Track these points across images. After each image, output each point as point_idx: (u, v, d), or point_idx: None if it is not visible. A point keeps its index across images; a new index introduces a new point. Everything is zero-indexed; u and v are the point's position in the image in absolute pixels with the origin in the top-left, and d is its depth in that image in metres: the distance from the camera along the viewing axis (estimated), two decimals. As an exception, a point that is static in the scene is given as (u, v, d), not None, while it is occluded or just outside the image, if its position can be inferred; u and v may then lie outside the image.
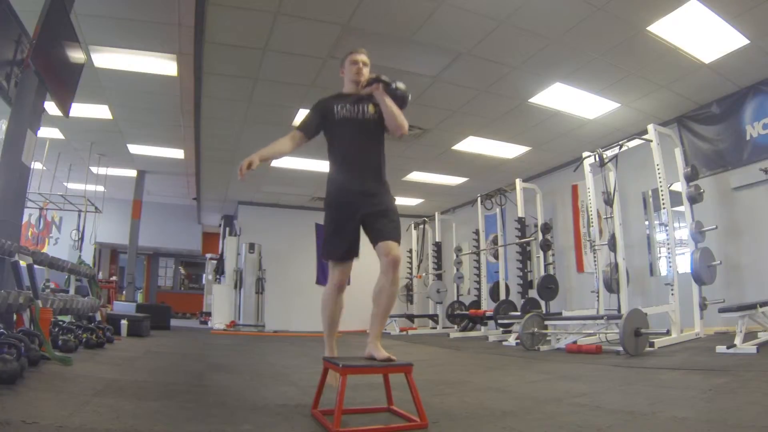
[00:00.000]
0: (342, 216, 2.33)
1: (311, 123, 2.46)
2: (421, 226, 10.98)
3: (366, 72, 2.50)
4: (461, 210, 10.91)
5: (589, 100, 5.85)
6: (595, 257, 5.89)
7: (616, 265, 5.18)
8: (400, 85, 2.42)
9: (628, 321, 4.28)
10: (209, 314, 11.14)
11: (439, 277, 10.02)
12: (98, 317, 5.50)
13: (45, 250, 10.74)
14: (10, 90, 3.73)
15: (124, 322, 6.12)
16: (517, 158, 7.85)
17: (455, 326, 9.00)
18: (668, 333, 4.65)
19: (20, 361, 2.42)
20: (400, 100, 2.42)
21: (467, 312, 8.44)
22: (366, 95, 2.43)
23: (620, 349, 4.32)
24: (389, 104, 2.35)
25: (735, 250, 5.49)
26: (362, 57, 2.51)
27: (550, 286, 7.02)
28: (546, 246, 7.31)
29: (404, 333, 9.21)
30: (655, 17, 4.24)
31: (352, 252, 2.35)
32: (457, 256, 9.56)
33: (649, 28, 4.38)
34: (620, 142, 5.50)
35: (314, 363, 3.86)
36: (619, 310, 5.03)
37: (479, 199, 8.55)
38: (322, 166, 8.02)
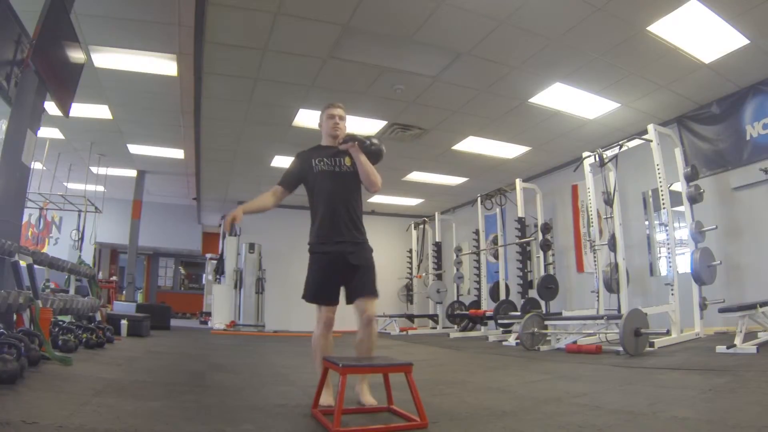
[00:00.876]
0: (324, 265, 2.45)
1: (291, 177, 2.61)
2: (421, 226, 10.98)
3: (342, 126, 2.62)
4: (461, 210, 10.91)
5: (589, 100, 5.85)
6: (595, 257, 5.89)
7: (616, 265, 5.18)
8: (375, 141, 2.55)
9: (628, 321, 4.28)
10: (209, 314, 11.14)
11: (439, 277, 10.02)
12: (98, 317, 5.50)
13: (45, 250, 10.74)
14: (10, 90, 3.73)
15: (124, 322, 6.12)
16: (517, 158, 7.85)
17: (455, 326, 9.00)
18: (668, 333, 4.65)
19: (20, 361, 2.42)
20: (375, 156, 2.54)
21: (467, 312, 8.44)
22: (344, 150, 2.53)
23: (620, 349, 4.32)
24: (363, 162, 2.47)
25: (735, 250, 5.49)
26: (338, 111, 2.64)
27: (550, 286, 7.02)
28: (546, 246, 7.31)
29: (404, 333, 9.20)
30: (655, 17, 4.23)
31: (335, 297, 2.48)
32: (457, 256, 9.56)
33: (649, 28, 4.38)
34: (620, 142, 5.50)
35: (313, 363, 3.85)
36: (619, 310, 5.03)
37: (479, 199, 8.55)
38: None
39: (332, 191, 2.48)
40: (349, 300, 2.46)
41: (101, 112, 6.62)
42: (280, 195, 2.59)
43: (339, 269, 2.42)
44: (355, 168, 2.50)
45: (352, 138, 2.47)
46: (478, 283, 8.63)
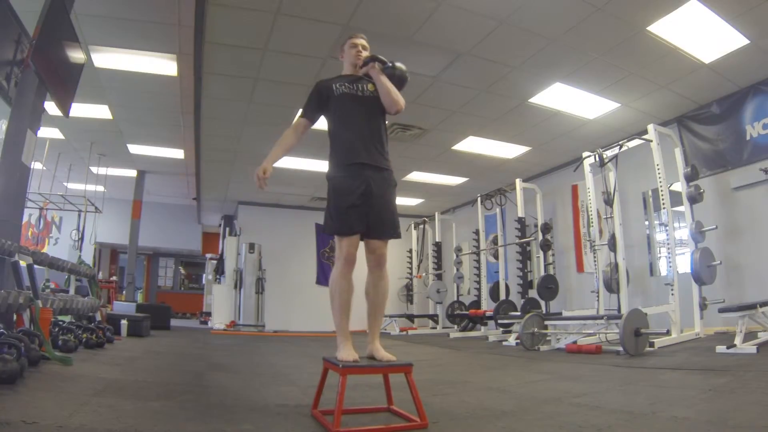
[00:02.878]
0: (346, 190, 2.24)
1: (312, 105, 2.45)
2: (421, 226, 10.98)
3: (365, 55, 2.51)
4: (461, 210, 10.91)
5: (589, 100, 5.85)
6: (595, 257, 5.89)
7: (616, 265, 5.18)
8: (398, 65, 2.42)
9: (628, 321, 4.28)
10: (209, 314, 11.14)
11: (439, 277, 10.02)
12: (98, 317, 5.50)
13: (45, 250, 10.74)
14: (10, 90, 3.73)
15: (124, 322, 6.11)
16: (517, 158, 7.85)
17: (455, 326, 9.00)
18: (668, 333, 4.65)
19: (20, 361, 2.42)
20: (397, 80, 2.41)
21: (467, 312, 8.44)
22: (364, 75, 2.44)
23: (620, 349, 4.32)
24: (384, 81, 2.35)
25: (735, 250, 5.49)
26: (361, 41, 2.54)
27: (550, 286, 7.02)
28: (546, 246, 7.31)
29: (404, 333, 9.21)
30: (655, 17, 4.24)
31: (361, 223, 2.23)
32: (457, 256, 9.56)
33: (649, 28, 4.38)
34: (620, 142, 5.50)
35: (314, 363, 3.86)
36: (619, 310, 5.03)
37: (479, 199, 8.55)
38: (322, 166, 8.02)
39: (355, 113, 2.35)
40: (364, 235, 2.25)
41: (101, 112, 6.62)
42: (302, 128, 2.44)
43: (361, 194, 2.21)
44: (377, 93, 2.36)
45: (373, 59, 2.36)
46: (478, 283, 8.63)
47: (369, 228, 2.24)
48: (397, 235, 2.31)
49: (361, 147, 2.29)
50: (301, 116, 2.47)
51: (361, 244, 2.29)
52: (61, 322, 4.20)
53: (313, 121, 2.47)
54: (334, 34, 4.59)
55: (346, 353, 2.09)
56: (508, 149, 7.54)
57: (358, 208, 2.21)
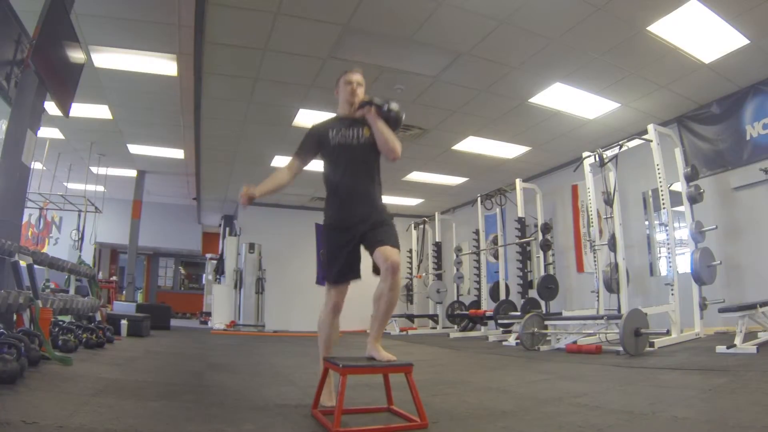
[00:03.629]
0: (341, 240, 2.31)
1: (307, 149, 2.48)
2: (421, 226, 10.98)
3: (360, 92, 2.46)
4: (461, 210, 10.91)
5: (589, 100, 5.85)
6: (595, 257, 5.89)
7: (616, 265, 5.18)
8: (393, 106, 2.37)
9: (628, 321, 4.28)
10: (209, 314, 11.14)
11: (439, 277, 10.02)
12: (98, 317, 5.50)
13: (45, 250, 10.74)
14: (10, 90, 3.73)
15: (124, 322, 6.12)
16: (517, 158, 7.85)
17: (455, 326, 9.00)
18: (668, 333, 4.65)
19: (20, 361, 2.42)
20: (393, 122, 2.38)
21: (467, 312, 8.44)
22: (360, 117, 2.39)
23: (620, 349, 4.32)
24: (381, 128, 2.32)
25: (735, 250, 5.49)
26: (356, 77, 2.48)
27: (550, 286, 7.02)
28: (546, 246, 7.30)
29: (404, 333, 9.21)
30: (655, 17, 4.24)
31: (352, 273, 2.33)
32: (457, 256, 9.56)
33: (649, 28, 4.38)
34: (620, 142, 5.50)
35: (314, 363, 3.85)
36: (619, 310, 5.03)
37: (479, 199, 8.55)
38: (322, 166, 8.01)
39: (350, 166, 2.34)
40: (371, 251, 2.26)
41: (101, 112, 6.62)
42: (296, 169, 2.45)
43: (356, 244, 2.29)
44: (373, 138, 2.35)
45: (369, 102, 2.34)
46: (478, 283, 8.63)
47: (375, 241, 2.23)
48: (395, 244, 2.28)
49: (355, 203, 2.33)
50: (295, 156, 2.48)
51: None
52: (61, 322, 4.20)
53: (306, 163, 2.49)
54: (334, 34, 4.59)
55: (326, 400, 2.22)
56: (508, 149, 7.54)
57: (350, 256, 2.30)
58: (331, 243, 2.36)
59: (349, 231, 2.30)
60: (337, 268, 2.31)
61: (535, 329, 5.46)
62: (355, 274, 2.33)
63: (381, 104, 2.34)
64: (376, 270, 2.23)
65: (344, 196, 2.35)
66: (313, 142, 2.46)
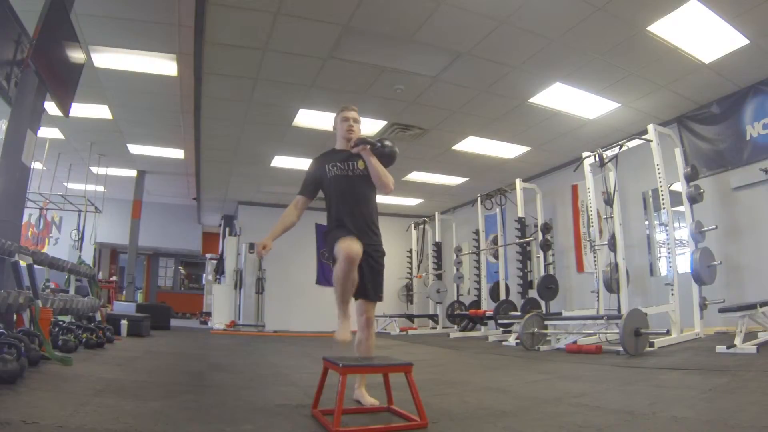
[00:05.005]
0: (346, 232, 2.42)
1: (309, 185, 2.64)
2: (421, 226, 10.98)
3: (357, 129, 2.63)
4: (461, 210, 10.91)
5: (589, 100, 5.85)
6: (595, 257, 5.89)
7: (616, 265, 5.18)
8: (387, 144, 2.55)
9: (628, 321, 4.28)
10: (209, 314, 11.14)
11: (439, 277, 10.02)
12: (98, 317, 5.50)
13: (45, 250, 10.74)
14: (10, 90, 3.73)
15: (124, 322, 6.12)
16: (517, 158, 7.85)
17: (455, 326, 9.00)
18: (668, 333, 4.65)
19: (20, 361, 2.42)
20: (387, 158, 2.55)
21: (467, 312, 8.44)
22: (356, 153, 2.51)
23: (620, 349, 4.32)
24: (375, 165, 2.47)
25: (735, 250, 5.49)
26: (353, 114, 2.65)
27: (550, 286, 7.02)
28: (546, 246, 7.30)
29: (404, 333, 9.20)
30: (655, 17, 4.24)
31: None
32: (457, 256, 9.56)
33: (649, 28, 4.38)
34: (620, 142, 5.50)
35: (314, 363, 3.86)
36: (619, 310, 5.03)
37: (479, 199, 8.55)
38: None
39: (346, 196, 2.51)
40: (356, 296, 2.43)
41: (101, 112, 6.62)
42: (302, 205, 2.62)
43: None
44: (368, 171, 2.50)
45: (363, 141, 2.47)
46: (478, 283, 8.63)
47: (362, 286, 2.40)
48: (381, 299, 2.49)
49: (353, 229, 2.44)
50: (300, 193, 2.65)
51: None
52: (61, 322, 4.20)
53: (311, 198, 2.65)
54: (334, 34, 4.59)
55: (343, 333, 2.27)
56: (508, 149, 7.54)
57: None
58: (337, 229, 2.47)
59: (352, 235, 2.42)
60: (348, 232, 2.39)
61: (535, 329, 5.46)
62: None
63: (374, 143, 2.50)
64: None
65: (343, 223, 2.48)
66: (313, 178, 2.64)
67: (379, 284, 2.50)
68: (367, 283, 2.42)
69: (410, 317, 10.29)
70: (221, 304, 10.11)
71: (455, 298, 9.39)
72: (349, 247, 2.28)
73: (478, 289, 8.60)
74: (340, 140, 2.66)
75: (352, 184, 2.52)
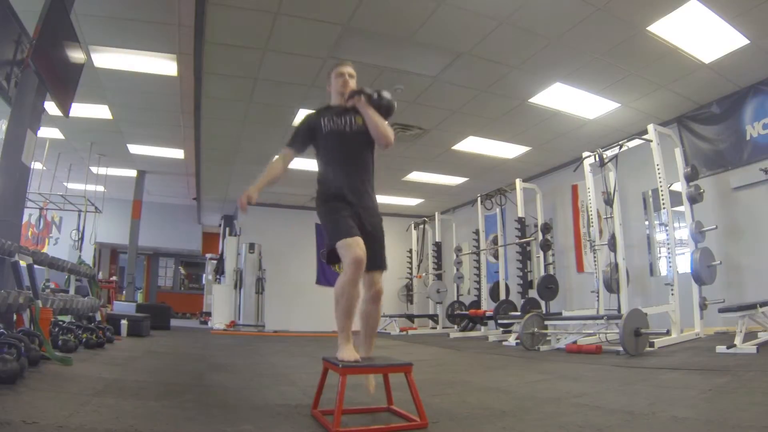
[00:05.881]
0: (341, 206, 2.27)
1: (300, 138, 2.47)
2: (421, 226, 10.98)
3: (352, 84, 2.48)
4: (461, 210, 10.91)
5: (589, 100, 5.85)
6: (595, 257, 5.89)
7: (616, 265, 5.18)
8: (385, 95, 2.38)
9: (628, 321, 4.28)
10: (209, 314, 11.14)
11: (439, 277, 10.02)
12: (98, 317, 5.50)
13: (45, 250, 10.74)
14: (10, 90, 3.73)
15: (124, 322, 6.12)
16: (517, 158, 7.85)
17: (455, 326, 9.00)
18: (668, 333, 4.65)
19: (20, 361, 2.42)
20: (385, 110, 2.38)
21: (467, 312, 8.44)
22: (351, 107, 2.40)
23: (620, 349, 4.32)
24: (372, 116, 2.33)
25: (735, 250, 5.49)
26: (348, 69, 2.51)
27: (550, 286, 7.02)
28: (546, 246, 7.30)
29: (404, 333, 9.21)
30: (655, 17, 4.24)
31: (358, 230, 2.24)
32: (457, 256, 9.56)
33: (649, 28, 4.38)
34: (620, 142, 5.50)
35: (314, 363, 3.86)
36: (619, 310, 5.03)
37: (479, 199, 8.55)
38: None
39: (342, 153, 2.36)
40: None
41: (101, 112, 6.62)
42: (290, 158, 2.46)
43: (355, 216, 2.25)
44: (365, 126, 2.35)
45: (358, 92, 2.34)
46: (478, 283, 8.63)
47: (368, 258, 2.20)
48: (385, 267, 2.35)
49: (347, 190, 2.30)
50: (288, 145, 2.48)
51: None
52: (61, 322, 4.20)
53: (300, 152, 2.48)
54: (334, 34, 4.59)
55: (348, 354, 2.08)
56: (508, 149, 7.54)
57: (355, 221, 2.24)
58: (332, 209, 2.29)
59: (346, 203, 2.28)
60: (348, 222, 2.21)
61: (535, 329, 5.46)
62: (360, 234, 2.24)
63: (371, 93, 2.35)
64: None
65: (338, 184, 2.33)
66: (306, 131, 2.46)
67: (383, 252, 2.32)
68: (371, 250, 2.19)
69: (410, 317, 10.29)
70: (221, 304, 10.11)
71: (455, 298, 9.39)
72: (356, 250, 2.11)
73: (478, 289, 8.60)
74: (335, 96, 2.50)
75: (348, 140, 2.36)
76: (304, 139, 2.47)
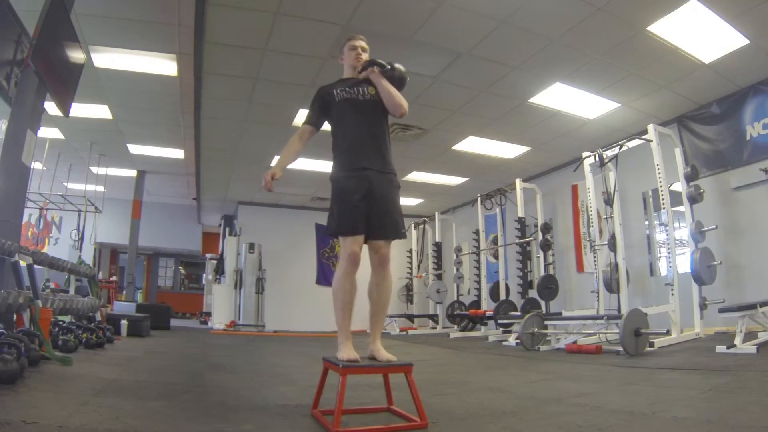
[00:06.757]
0: (348, 192, 2.25)
1: (315, 111, 2.48)
2: (421, 226, 10.98)
3: (365, 57, 2.52)
4: (461, 210, 10.91)
5: (589, 100, 5.85)
6: (595, 257, 5.89)
7: (616, 265, 5.18)
8: (397, 66, 2.42)
9: (628, 321, 4.28)
10: (209, 314, 11.14)
11: (439, 277, 10.02)
12: (98, 317, 5.50)
13: (45, 250, 10.74)
14: (10, 90, 3.73)
15: (124, 322, 6.12)
16: (517, 158, 7.85)
17: (455, 326, 9.00)
18: (668, 333, 4.65)
19: (20, 361, 2.42)
20: (398, 81, 2.42)
21: (467, 312, 8.44)
22: (365, 79, 2.42)
23: (620, 349, 4.32)
24: (386, 86, 2.36)
25: (735, 250, 5.49)
26: (361, 42, 2.55)
27: (550, 286, 7.02)
28: (546, 246, 7.30)
29: (404, 333, 9.21)
30: (655, 17, 4.24)
31: (364, 223, 2.23)
32: (457, 256, 9.56)
33: (649, 28, 4.38)
34: (620, 142, 5.50)
35: (314, 363, 3.86)
36: (619, 310, 5.03)
37: (479, 199, 8.55)
38: (322, 166, 8.02)
39: (356, 119, 2.36)
40: (367, 236, 2.25)
41: (101, 112, 6.62)
42: (308, 135, 2.46)
43: (364, 196, 2.23)
44: (379, 96, 2.37)
45: (372, 63, 2.37)
46: (478, 283, 8.63)
47: (372, 228, 2.24)
48: (401, 236, 2.32)
49: (363, 153, 2.30)
50: (306, 123, 2.48)
51: (365, 247, 2.29)
52: (61, 322, 4.20)
53: (318, 127, 2.49)
54: (334, 34, 4.59)
55: (347, 353, 2.08)
56: (508, 149, 7.54)
57: (361, 209, 2.22)
58: (338, 195, 2.29)
59: (360, 180, 2.25)
60: (347, 218, 2.22)
61: (535, 329, 5.46)
62: (365, 226, 2.23)
63: (384, 64, 2.39)
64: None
65: (352, 149, 2.33)
66: (321, 103, 2.47)
67: (394, 221, 2.26)
68: (381, 219, 2.22)
69: (410, 317, 10.29)
70: (221, 304, 10.11)
71: (455, 298, 9.39)
72: (352, 247, 2.18)
73: (478, 289, 8.60)
74: (348, 69, 2.53)
75: (362, 108, 2.37)
76: (319, 111, 2.47)
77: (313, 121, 2.47)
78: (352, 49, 2.53)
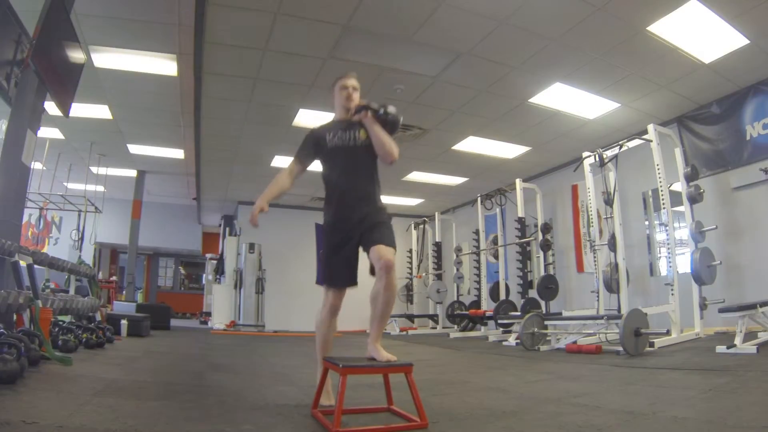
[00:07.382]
0: (339, 242, 2.33)
1: (305, 153, 2.48)
2: (421, 226, 10.98)
3: (356, 97, 2.49)
4: (461, 210, 10.91)
5: (589, 100, 5.85)
6: (595, 257, 5.89)
7: (616, 265, 5.18)
8: (390, 110, 2.38)
9: (628, 321, 4.28)
10: (209, 314, 11.14)
11: (439, 277, 10.02)
12: (98, 317, 5.50)
13: (45, 250, 10.74)
14: (10, 90, 3.73)
15: (124, 322, 6.11)
16: (517, 158, 7.85)
17: (455, 326, 9.00)
18: (668, 333, 4.65)
19: (20, 361, 2.42)
20: (390, 126, 2.40)
21: (467, 312, 8.44)
22: (357, 121, 2.41)
23: (620, 349, 4.32)
24: (377, 132, 2.34)
25: (735, 250, 5.49)
26: (351, 82, 2.50)
27: (550, 286, 7.02)
28: (546, 246, 7.30)
29: (404, 333, 9.21)
30: (655, 17, 4.24)
31: (350, 279, 2.34)
32: (457, 256, 9.56)
33: (649, 28, 4.38)
34: (620, 142, 5.50)
35: (314, 363, 3.85)
36: (619, 310, 5.03)
37: (479, 199, 8.55)
38: (321, 168, 8.00)
39: (347, 168, 2.36)
40: (367, 250, 2.27)
41: (101, 112, 6.62)
42: (296, 172, 2.47)
43: (354, 245, 2.30)
44: (370, 141, 2.37)
45: (365, 107, 2.36)
46: (478, 283, 8.63)
47: (371, 240, 2.23)
48: (393, 246, 2.29)
49: (354, 204, 2.33)
50: (296, 159, 2.49)
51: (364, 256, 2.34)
52: (61, 322, 4.20)
53: (305, 166, 2.49)
54: (334, 34, 4.59)
55: (325, 400, 2.24)
56: (508, 149, 7.54)
57: (344, 265, 2.32)
58: (329, 243, 2.38)
59: (349, 231, 2.32)
60: (334, 271, 2.36)
61: (535, 329, 5.46)
62: (352, 280, 2.35)
63: (377, 109, 2.36)
64: (372, 271, 2.23)
65: (343, 196, 2.37)
66: (311, 145, 2.47)
67: (389, 234, 2.28)
68: (377, 233, 2.24)
69: (410, 317, 10.29)
70: (221, 304, 10.11)
71: (455, 298, 9.39)
72: (333, 301, 2.34)
73: (478, 289, 8.60)
74: (340, 110, 2.51)
75: (353, 155, 2.37)
76: (309, 152, 2.48)
77: (302, 161, 2.48)
78: (343, 89, 2.48)
